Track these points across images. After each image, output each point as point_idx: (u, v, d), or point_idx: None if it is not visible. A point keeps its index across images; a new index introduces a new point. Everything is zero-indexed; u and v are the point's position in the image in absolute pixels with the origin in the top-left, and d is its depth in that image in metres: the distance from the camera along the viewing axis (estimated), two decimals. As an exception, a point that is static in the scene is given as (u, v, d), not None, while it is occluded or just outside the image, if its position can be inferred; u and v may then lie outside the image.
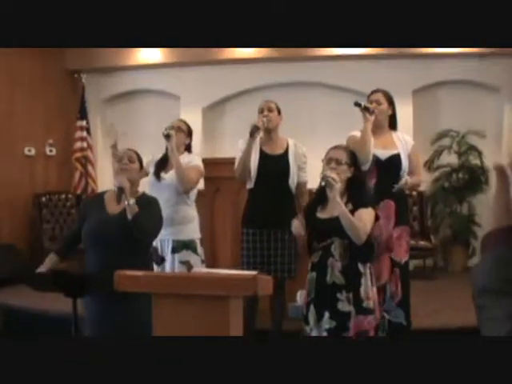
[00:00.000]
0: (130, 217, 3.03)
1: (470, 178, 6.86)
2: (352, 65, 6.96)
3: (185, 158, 3.92)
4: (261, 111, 3.87)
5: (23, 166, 7.10)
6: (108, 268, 2.64)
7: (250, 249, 3.83)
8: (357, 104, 3.79)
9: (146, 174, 3.88)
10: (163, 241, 3.83)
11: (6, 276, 5.64)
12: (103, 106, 7.94)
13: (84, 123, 7.30)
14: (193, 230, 3.91)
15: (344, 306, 3.03)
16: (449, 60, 6.79)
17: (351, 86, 6.98)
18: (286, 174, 3.82)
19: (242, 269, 3.75)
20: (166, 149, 3.89)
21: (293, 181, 3.85)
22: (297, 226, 3.31)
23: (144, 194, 3.27)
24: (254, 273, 2.62)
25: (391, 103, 3.91)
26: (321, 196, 3.13)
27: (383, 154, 3.80)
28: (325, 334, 3.07)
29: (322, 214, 3.14)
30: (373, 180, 3.78)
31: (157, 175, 3.90)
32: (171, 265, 3.81)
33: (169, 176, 3.87)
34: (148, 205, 3.16)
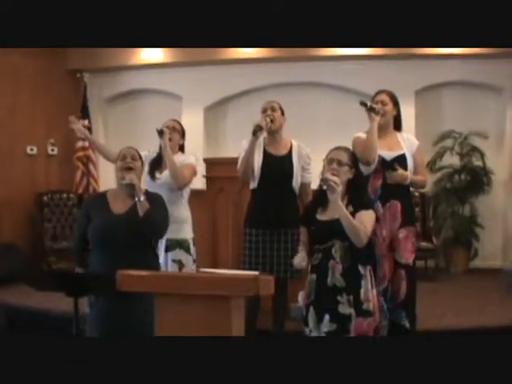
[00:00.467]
0: (141, 213, 3.04)
1: (472, 179, 6.85)
2: (353, 65, 6.95)
3: (179, 158, 3.96)
4: (264, 111, 3.87)
5: (25, 165, 7.11)
6: (115, 268, 2.62)
7: (252, 249, 3.83)
8: (362, 103, 3.77)
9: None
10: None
11: (7, 275, 5.64)
12: (105, 105, 7.96)
13: (86, 122, 7.29)
14: (186, 230, 3.95)
15: (344, 308, 3.01)
16: (451, 61, 6.79)
17: (353, 87, 6.98)
18: (289, 175, 3.82)
19: (244, 269, 3.75)
20: (160, 147, 3.92)
21: (296, 182, 3.85)
22: (299, 258, 3.27)
23: (147, 191, 3.27)
24: (255, 273, 2.63)
25: (396, 104, 3.90)
26: (321, 198, 3.12)
27: (389, 154, 3.79)
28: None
29: (322, 216, 3.12)
30: (379, 181, 3.77)
31: (151, 175, 3.93)
32: (164, 263, 3.83)
33: (163, 176, 3.91)
34: (155, 201, 3.17)
